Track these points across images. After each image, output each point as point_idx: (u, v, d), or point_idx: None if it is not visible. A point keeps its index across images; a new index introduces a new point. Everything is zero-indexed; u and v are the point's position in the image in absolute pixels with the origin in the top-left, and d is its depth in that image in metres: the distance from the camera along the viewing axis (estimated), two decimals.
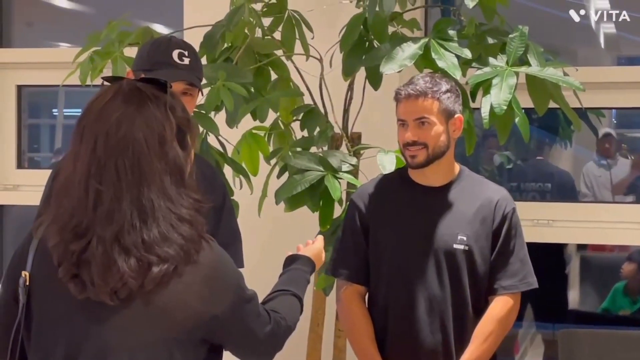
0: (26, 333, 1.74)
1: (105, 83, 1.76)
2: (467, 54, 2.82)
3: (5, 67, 4.54)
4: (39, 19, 4.82)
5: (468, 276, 2.59)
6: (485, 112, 2.71)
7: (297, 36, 3.13)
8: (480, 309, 2.61)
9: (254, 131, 3.16)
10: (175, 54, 2.30)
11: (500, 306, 2.60)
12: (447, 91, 2.59)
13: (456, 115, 2.61)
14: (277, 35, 3.16)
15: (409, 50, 2.80)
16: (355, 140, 3.18)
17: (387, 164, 2.85)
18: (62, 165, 1.72)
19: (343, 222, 2.76)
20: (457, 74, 2.73)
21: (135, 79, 1.73)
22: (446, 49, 2.80)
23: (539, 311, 4.51)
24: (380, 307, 2.65)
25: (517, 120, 2.73)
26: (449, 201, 2.63)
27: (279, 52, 3.18)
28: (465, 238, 2.59)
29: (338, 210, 2.94)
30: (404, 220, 2.62)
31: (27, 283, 1.71)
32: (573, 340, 4.19)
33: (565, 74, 2.82)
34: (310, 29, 3.17)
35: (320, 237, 2.24)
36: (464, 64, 2.88)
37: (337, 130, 3.13)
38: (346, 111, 3.19)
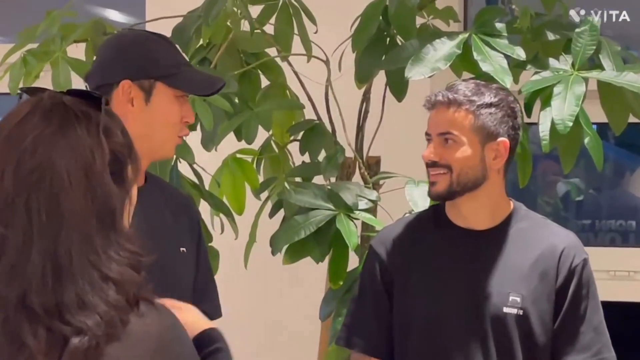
0: None
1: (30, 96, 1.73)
2: (519, 53, 2.83)
3: None
4: None
5: (522, 350, 2.57)
6: (544, 130, 2.73)
7: (296, 30, 3.14)
8: None
9: (238, 156, 3.19)
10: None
11: None
12: (492, 105, 2.56)
13: (499, 139, 2.57)
14: (270, 29, 3.18)
15: (444, 48, 2.82)
16: (372, 166, 3.19)
17: (419, 199, 2.84)
18: None
19: (360, 276, 2.75)
20: (507, 80, 2.73)
21: (61, 91, 1.73)
22: (492, 47, 2.81)
23: None
24: None
25: (586, 141, 2.74)
26: (498, 250, 2.61)
27: (272, 52, 3.20)
28: (519, 299, 2.58)
29: (353, 261, 2.93)
30: (439, 276, 2.61)
31: None
32: None
33: None
34: (313, 21, 3.18)
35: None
36: (516, 66, 2.89)
37: (349, 153, 3.13)
38: (360, 128, 3.20)
